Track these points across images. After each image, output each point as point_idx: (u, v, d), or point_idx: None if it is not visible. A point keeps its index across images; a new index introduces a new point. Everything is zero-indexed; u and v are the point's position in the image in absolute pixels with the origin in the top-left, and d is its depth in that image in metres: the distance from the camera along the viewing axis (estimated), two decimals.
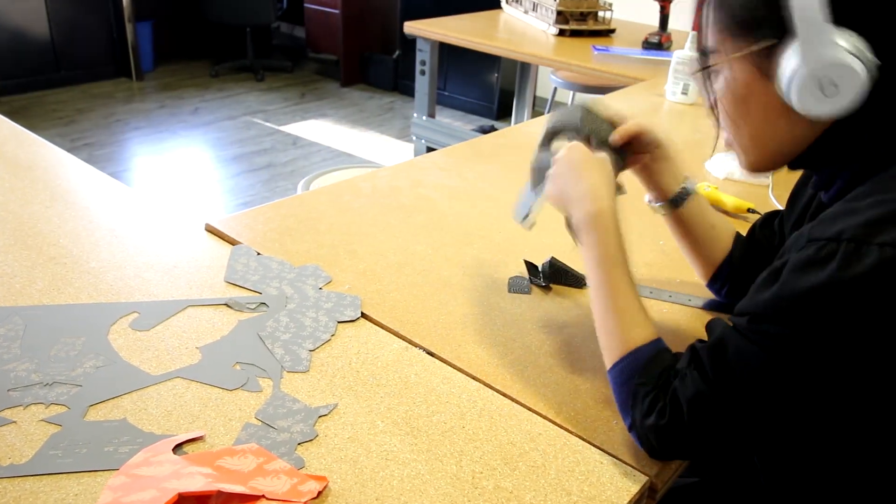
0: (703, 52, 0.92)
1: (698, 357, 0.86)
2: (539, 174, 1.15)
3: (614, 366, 0.94)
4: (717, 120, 0.95)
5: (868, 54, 0.79)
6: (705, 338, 0.89)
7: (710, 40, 0.91)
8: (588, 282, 1.00)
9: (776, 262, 0.83)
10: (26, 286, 1.18)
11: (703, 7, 0.92)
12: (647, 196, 1.23)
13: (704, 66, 0.93)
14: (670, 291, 1.29)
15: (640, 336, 0.94)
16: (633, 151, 1.17)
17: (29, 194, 1.48)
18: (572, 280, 1.29)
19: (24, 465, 0.84)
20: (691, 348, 0.88)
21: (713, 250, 1.23)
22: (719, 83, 0.92)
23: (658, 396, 0.88)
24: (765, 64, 0.85)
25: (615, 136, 1.13)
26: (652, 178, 1.20)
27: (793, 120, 0.86)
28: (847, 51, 0.79)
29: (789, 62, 0.82)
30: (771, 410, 0.82)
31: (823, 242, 0.77)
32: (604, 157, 1.08)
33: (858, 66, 0.78)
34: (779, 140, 0.90)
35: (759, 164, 0.95)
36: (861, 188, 0.83)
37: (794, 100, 0.82)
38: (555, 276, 1.30)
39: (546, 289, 1.28)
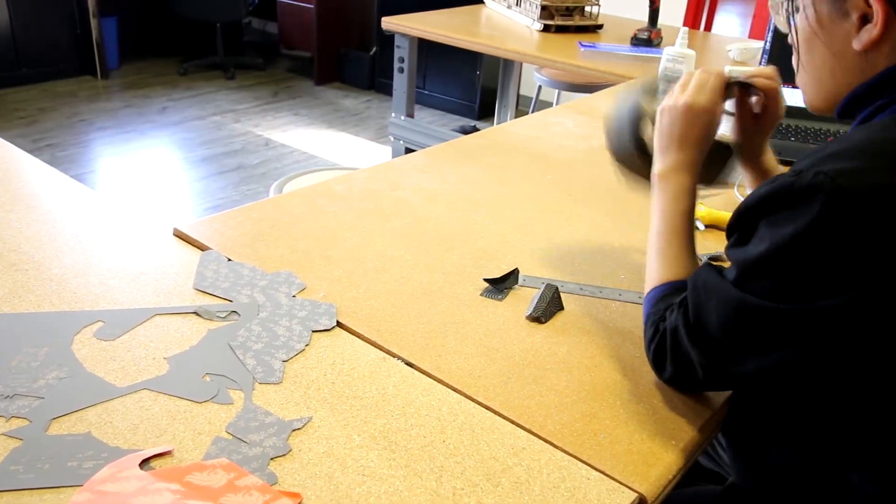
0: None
1: (685, 297, 1.00)
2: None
3: (646, 297, 1.11)
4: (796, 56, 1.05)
5: None
6: None
7: None
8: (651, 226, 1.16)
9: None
10: None
11: None
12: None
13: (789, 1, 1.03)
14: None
15: (669, 275, 1.09)
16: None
17: None
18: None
19: None
20: (688, 284, 1.00)
21: None
22: (797, 20, 1.01)
23: (657, 326, 1.04)
24: (842, 8, 0.93)
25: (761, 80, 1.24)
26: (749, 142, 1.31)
27: (847, 67, 0.96)
28: None
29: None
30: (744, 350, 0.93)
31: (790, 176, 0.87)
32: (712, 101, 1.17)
33: None
34: (835, 83, 0.99)
35: (815, 104, 1.05)
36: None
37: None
38: (505, 280, 1.31)
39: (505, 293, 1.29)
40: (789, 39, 1.04)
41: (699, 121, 1.15)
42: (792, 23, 1.02)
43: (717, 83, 1.17)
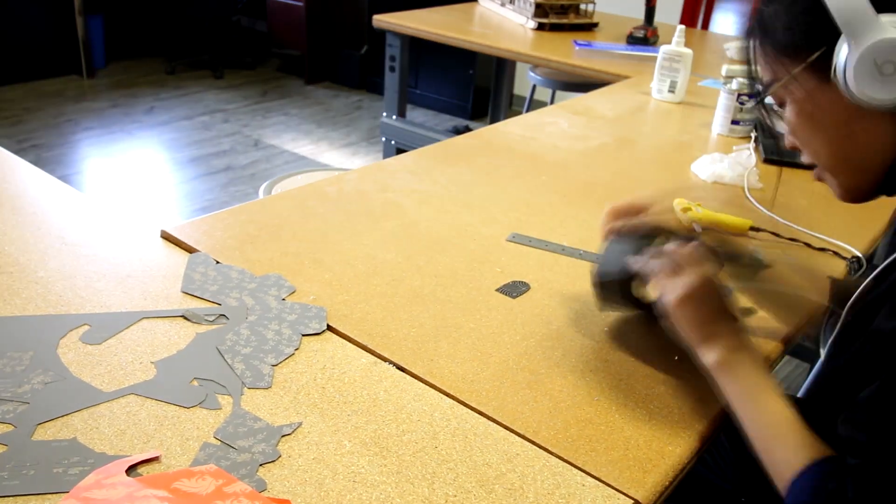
0: (763, 89, 0.97)
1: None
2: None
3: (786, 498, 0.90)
4: (802, 152, 0.99)
5: None
6: None
7: (765, 75, 0.96)
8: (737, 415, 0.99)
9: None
10: None
11: (748, 49, 0.97)
12: None
13: (765, 100, 0.98)
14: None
15: (798, 462, 0.89)
16: None
17: None
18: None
19: None
20: (850, 484, 0.82)
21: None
22: (788, 112, 0.96)
23: None
24: (822, 73, 0.88)
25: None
26: None
27: (869, 121, 0.89)
28: None
29: (841, 55, 0.85)
30: None
31: None
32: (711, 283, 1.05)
33: None
34: (862, 150, 0.92)
35: (852, 186, 0.96)
36: None
37: (854, 88, 0.85)
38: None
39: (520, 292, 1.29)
40: (787, 143, 1.00)
41: (706, 293, 1.04)
42: (782, 124, 0.99)
43: (701, 252, 1.07)
